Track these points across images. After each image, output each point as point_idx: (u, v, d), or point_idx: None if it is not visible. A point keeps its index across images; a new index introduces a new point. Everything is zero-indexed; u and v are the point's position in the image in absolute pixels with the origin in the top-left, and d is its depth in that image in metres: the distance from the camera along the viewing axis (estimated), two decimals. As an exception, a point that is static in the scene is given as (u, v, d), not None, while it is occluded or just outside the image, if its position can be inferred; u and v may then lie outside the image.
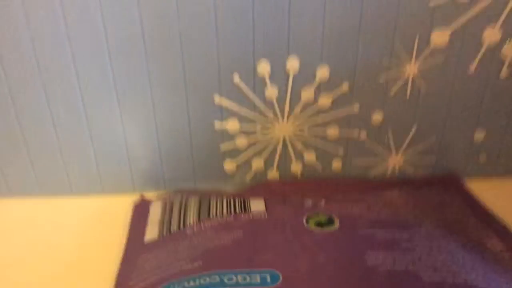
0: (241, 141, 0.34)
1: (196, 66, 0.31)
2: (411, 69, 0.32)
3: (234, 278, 0.24)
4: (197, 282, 0.24)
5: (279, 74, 0.32)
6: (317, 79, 0.32)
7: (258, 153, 0.35)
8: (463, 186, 0.35)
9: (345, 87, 0.32)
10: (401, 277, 0.24)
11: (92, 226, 0.33)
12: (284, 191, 0.34)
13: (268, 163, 0.35)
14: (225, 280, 0.24)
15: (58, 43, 0.30)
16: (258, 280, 0.24)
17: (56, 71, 0.31)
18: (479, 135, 0.35)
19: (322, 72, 0.32)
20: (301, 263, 0.25)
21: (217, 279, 0.24)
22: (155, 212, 0.32)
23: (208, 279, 0.24)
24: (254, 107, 0.33)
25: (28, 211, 0.35)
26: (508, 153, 0.36)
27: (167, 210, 0.32)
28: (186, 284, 0.24)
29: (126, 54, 0.31)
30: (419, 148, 0.35)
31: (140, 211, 0.33)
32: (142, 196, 0.35)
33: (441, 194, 0.34)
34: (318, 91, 0.32)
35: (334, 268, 0.24)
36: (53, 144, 0.34)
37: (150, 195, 0.35)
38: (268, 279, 0.24)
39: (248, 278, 0.24)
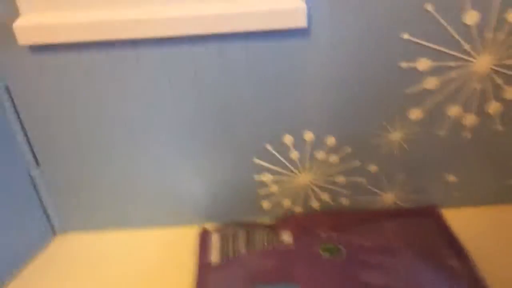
0: (274, 188, 0.47)
1: (242, 138, 0.44)
2: (396, 135, 0.44)
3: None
4: None
5: (299, 142, 0.44)
6: (327, 145, 0.44)
7: (287, 196, 0.48)
8: (439, 215, 0.47)
9: (347, 149, 0.44)
10: None
11: (165, 253, 0.47)
12: (306, 222, 0.46)
13: (295, 202, 0.48)
14: None
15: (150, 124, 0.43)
16: None
17: (142, 140, 0.44)
18: (451, 179, 0.46)
19: (330, 140, 0.44)
20: (316, 279, 0.37)
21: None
22: (215, 242, 0.45)
23: None
24: (282, 164, 0.45)
25: (108, 243, 0.49)
26: (476, 190, 0.47)
27: (223, 240, 0.45)
28: None
29: (193, 134, 0.44)
30: (406, 188, 0.47)
31: (204, 240, 0.46)
32: (204, 227, 0.48)
33: (421, 223, 0.45)
34: (328, 153, 0.45)
35: (338, 284, 0.37)
36: (139, 187, 0.47)
37: (208, 225, 0.48)
38: None
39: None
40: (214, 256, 0.44)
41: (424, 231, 0.44)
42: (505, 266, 0.41)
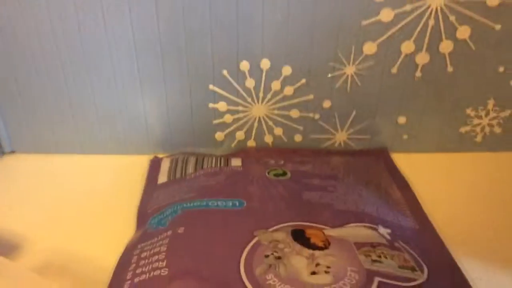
0: (228, 118, 0.47)
1: (197, 63, 0.44)
2: (350, 69, 0.44)
3: (215, 203, 0.37)
4: (191, 204, 0.37)
5: (255, 71, 0.44)
6: (283, 75, 0.45)
7: (240, 127, 0.48)
8: (389, 156, 0.48)
9: (303, 81, 0.45)
10: (322, 206, 0.37)
11: (120, 177, 0.46)
12: (258, 155, 0.47)
13: (247, 135, 0.48)
14: (209, 204, 0.37)
15: (100, 39, 0.43)
16: (231, 204, 0.37)
17: (96, 59, 0.44)
18: (401, 120, 0.47)
19: (286, 70, 0.44)
20: (259, 196, 0.38)
21: (204, 202, 0.37)
22: (165, 166, 0.45)
23: (199, 203, 0.37)
24: (237, 94, 0.46)
25: (71, 165, 0.48)
26: (424, 134, 0.48)
27: (173, 164, 0.45)
28: (184, 205, 0.37)
29: (147, 52, 0.43)
30: (358, 128, 0.48)
31: (154, 165, 0.46)
32: (155, 155, 0.48)
33: (370, 161, 0.46)
34: (283, 83, 0.45)
35: (281, 199, 0.37)
36: (93, 114, 0.47)
37: (161, 155, 0.48)
38: (237, 204, 0.37)
39: (224, 203, 0.37)
40: (162, 178, 0.44)
41: (371, 167, 0.45)
42: (449, 213, 0.42)
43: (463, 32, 0.43)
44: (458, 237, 0.37)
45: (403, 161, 0.47)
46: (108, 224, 0.41)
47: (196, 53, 0.44)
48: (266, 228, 0.34)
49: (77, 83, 0.45)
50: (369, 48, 0.43)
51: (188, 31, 0.43)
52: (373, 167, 0.45)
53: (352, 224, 0.35)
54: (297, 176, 0.41)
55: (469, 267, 0.34)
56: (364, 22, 0.42)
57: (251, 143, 0.49)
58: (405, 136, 0.48)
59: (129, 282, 0.30)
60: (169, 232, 0.34)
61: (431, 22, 0.42)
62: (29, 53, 0.44)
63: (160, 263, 0.31)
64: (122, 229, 0.39)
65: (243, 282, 0.29)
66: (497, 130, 0.48)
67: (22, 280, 0.29)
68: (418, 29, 0.42)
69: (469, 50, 0.44)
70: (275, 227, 0.34)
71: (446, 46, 0.43)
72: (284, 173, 0.41)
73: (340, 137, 0.48)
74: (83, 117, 0.47)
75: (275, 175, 0.41)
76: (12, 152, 0.50)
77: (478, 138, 0.49)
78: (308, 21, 0.42)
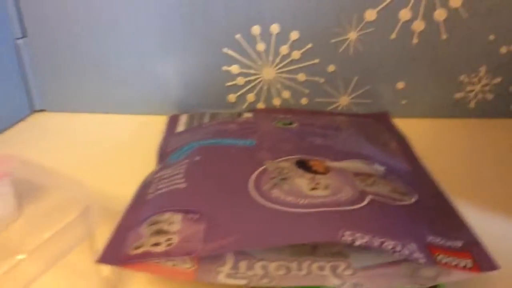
0: (240, 80, 0.51)
1: (212, 27, 0.48)
2: (352, 35, 0.49)
3: (229, 141, 0.41)
4: (207, 142, 0.41)
5: (266, 35, 0.49)
6: (291, 39, 0.49)
7: (251, 90, 0.52)
8: (389, 119, 0.51)
9: (309, 45, 0.49)
10: (324, 148, 0.41)
11: (140, 133, 0.51)
12: (267, 113, 0.51)
13: (257, 97, 0.53)
14: (224, 141, 0.41)
15: (124, 1, 0.48)
16: (242, 143, 0.41)
17: (120, 21, 0.49)
18: (400, 85, 0.51)
19: (294, 35, 0.49)
20: (268, 137, 0.42)
21: (219, 140, 0.41)
22: (183, 119, 0.49)
23: (213, 141, 0.41)
24: (249, 57, 0.50)
25: (95, 124, 0.53)
26: (421, 100, 0.52)
27: (190, 118, 0.49)
28: (200, 142, 0.41)
29: (166, 16, 0.48)
30: (360, 92, 0.52)
31: (173, 120, 0.50)
32: (173, 113, 0.52)
33: (372, 121, 0.50)
34: (291, 48, 0.49)
35: (287, 140, 0.41)
36: (115, 74, 0.51)
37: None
38: (248, 143, 0.41)
39: (237, 142, 0.41)
40: (180, 128, 0.48)
41: (371, 126, 0.49)
42: (444, 168, 0.45)
43: (456, 0, 0.47)
44: (450, 183, 0.40)
45: (401, 125, 0.51)
46: (130, 173, 0.45)
47: (211, 17, 0.48)
48: (273, 159, 0.38)
49: (101, 44, 0.50)
50: (370, 15, 0.48)
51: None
52: (374, 126, 0.49)
53: (350, 160, 0.39)
54: (303, 126, 0.45)
55: (460, 207, 0.37)
56: (365, -10, 0.47)
57: (260, 105, 0.53)
58: (403, 101, 0.52)
59: (151, 195, 0.34)
60: (187, 160, 0.38)
61: (426, -9, 0.46)
62: (60, 15, 0.49)
63: (179, 179, 0.35)
64: (144, 173, 0.43)
65: (252, 196, 0.32)
66: (489, 96, 0.52)
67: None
68: (415, -3, 0.47)
69: (461, 18, 0.48)
70: (281, 159, 0.38)
71: (440, 14, 0.47)
72: (291, 123, 0.45)
73: (344, 101, 0.52)
74: (106, 78, 0.52)
75: (283, 124, 0.45)
76: (42, 110, 0.54)
77: (472, 104, 0.52)
78: (314, -12, 0.47)
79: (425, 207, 0.33)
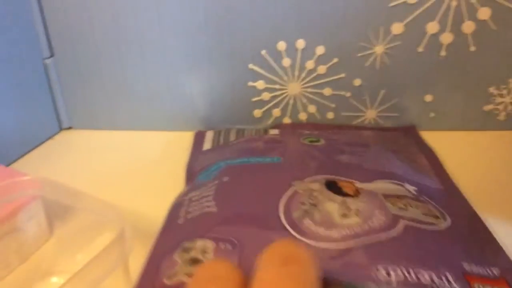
0: (266, 95, 0.51)
1: (238, 44, 0.49)
2: (379, 49, 0.48)
3: (256, 159, 0.41)
4: (235, 161, 0.41)
5: (291, 50, 0.49)
6: (316, 54, 0.49)
7: (277, 105, 0.52)
8: (417, 133, 0.51)
9: (335, 60, 0.49)
10: (352, 166, 0.40)
11: (168, 150, 0.51)
12: (293, 129, 0.51)
13: (283, 112, 0.52)
14: (251, 160, 0.41)
15: (151, 19, 0.48)
16: (269, 160, 0.41)
17: (147, 37, 0.49)
18: (428, 98, 0.51)
19: (320, 50, 0.48)
20: (296, 155, 0.42)
21: (246, 159, 0.41)
22: (209, 136, 0.49)
23: (240, 160, 0.41)
24: (275, 72, 0.50)
25: (123, 141, 0.53)
26: (450, 112, 0.52)
27: (216, 135, 0.49)
28: (228, 161, 0.41)
29: (194, 32, 0.48)
30: (387, 106, 0.51)
31: (199, 136, 0.50)
32: (199, 129, 0.52)
33: (399, 135, 0.50)
34: (317, 62, 0.49)
35: (315, 159, 0.41)
36: (143, 91, 0.52)
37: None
38: (275, 160, 0.41)
39: (263, 159, 0.41)
40: (206, 145, 0.48)
41: (399, 140, 0.48)
42: (475, 183, 0.45)
43: (484, 13, 0.46)
44: (483, 201, 0.39)
45: (429, 139, 0.50)
46: (159, 193, 0.45)
47: (237, 34, 0.48)
48: (302, 179, 0.37)
49: (128, 62, 0.50)
50: (397, 28, 0.47)
51: (231, 13, 0.47)
52: (402, 140, 0.48)
53: (380, 180, 0.38)
54: (330, 143, 0.45)
55: (495, 227, 0.36)
56: (392, 4, 0.46)
57: (286, 120, 0.53)
58: (431, 114, 0.52)
59: (182, 218, 0.34)
60: (216, 181, 0.38)
61: (454, 4, 0.46)
62: (87, 33, 0.49)
63: (209, 203, 0.35)
64: (174, 194, 0.44)
65: (283, 224, 0.32)
66: (520, 108, 0.51)
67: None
68: (442, 10, 0.46)
69: (489, 30, 0.47)
70: (310, 179, 0.37)
71: (468, 26, 0.47)
72: (318, 140, 0.45)
73: (370, 114, 0.52)
74: (134, 95, 0.52)
75: (310, 141, 0.45)
76: (69, 128, 0.55)
77: (501, 117, 0.52)
78: (340, 2, 0.46)
79: (459, 231, 0.32)
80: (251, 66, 0.50)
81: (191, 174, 0.43)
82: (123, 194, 0.44)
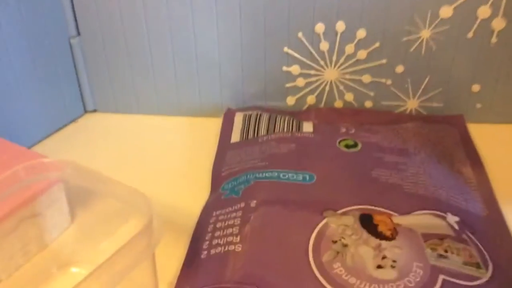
0: (300, 81, 0.48)
1: (273, 25, 0.46)
2: (425, 33, 0.45)
3: (286, 175, 0.38)
4: (263, 175, 0.38)
5: (330, 33, 0.46)
6: (357, 38, 0.45)
7: (312, 91, 0.49)
8: (464, 125, 0.47)
9: (376, 44, 0.46)
10: (391, 187, 0.37)
11: (195, 136, 0.48)
12: (328, 115, 0.47)
13: (318, 99, 0.49)
14: (281, 176, 0.38)
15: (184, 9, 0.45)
16: (301, 178, 0.38)
17: (178, 20, 0.46)
18: (475, 88, 0.47)
19: (361, 33, 0.45)
20: (329, 170, 0.38)
21: (276, 174, 0.38)
22: (238, 122, 0.47)
23: (270, 173, 0.38)
24: (311, 57, 0.47)
25: (149, 126, 0.51)
26: (499, 104, 0.48)
27: (246, 121, 0.46)
28: (257, 175, 0.38)
29: (227, 16, 0.45)
30: (430, 95, 0.48)
31: (228, 120, 0.47)
32: (229, 107, 0.49)
33: (444, 129, 0.46)
34: (357, 47, 0.46)
35: (351, 176, 0.38)
36: (171, 75, 0.49)
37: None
38: (307, 178, 0.38)
39: (295, 176, 0.38)
40: (235, 136, 0.45)
41: (445, 138, 0.45)
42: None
43: (544, -5, 0.42)
44: None
45: (475, 132, 0.47)
46: (185, 175, 0.43)
47: (273, 14, 0.45)
48: (335, 209, 0.34)
49: (158, 44, 0.48)
50: (446, 11, 0.44)
51: (267, -8, 0.44)
52: (447, 138, 0.45)
53: (420, 212, 0.35)
54: (368, 149, 0.41)
55: None
56: (442, -15, 0.43)
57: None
58: (478, 105, 0.48)
59: (205, 252, 0.32)
60: (242, 204, 0.35)
61: (510, -15, 0.42)
62: (115, 13, 0.47)
63: (234, 237, 0.33)
64: (198, 180, 0.41)
65: (312, 269, 0.30)
66: None
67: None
68: (497, -8, 0.43)
69: (549, 15, 0.43)
70: (343, 210, 0.34)
71: (524, 10, 0.43)
72: (355, 145, 0.42)
73: (412, 104, 0.49)
74: (162, 78, 0.50)
75: (346, 146, 0.42)
76: (94, 110, 0.53)
77: (555, 110, 0.48)
78: (385, -18, 0.43)
79: (502, 283, 0.30)
80: (286, 49, 0.47)
81: (217, 178, 0.41)
82: (148, 183, 0.41)
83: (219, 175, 0.41)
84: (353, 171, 0.39)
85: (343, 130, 0.44)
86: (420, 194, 0.37)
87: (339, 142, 0.42)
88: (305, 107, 0.50)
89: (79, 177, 0.31)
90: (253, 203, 0.35)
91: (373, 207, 0.35)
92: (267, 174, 0.38)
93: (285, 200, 0.36)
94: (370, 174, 0.38)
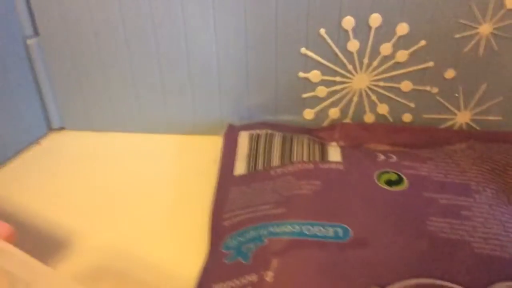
0: (321, 91, 0.38)
1: (288, 19, 0.35)
2: (485, 29, 0.34)
3: (311, 229, 0.28)
4: (281, 229, 0.28)
5: (362, 29, 0.35)
6: (397, 35, 0.35)
7: (335, 103, 0.39)
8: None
9: (422, 43, 0.35)
10: (455, 246, 0.27)
11: (188, 160, 0.38)
12: (357, 132, 0.37)
13: (343, 113, 0.39)
14: (304, 231, 0.28)
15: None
16: (332, 234, 0.28)
17: (165, 19, 0.36)
18: (546, 96, 0.37)
19: (402, 29, 0.35)
20: (368, 220, 0.28)
21: (297, 228, 0.28)
22: (243, 145, 0.36)
23: (290, 227, 0.28)
24: (336, 60, 0.36)
25: (130, 146, 0.40)
26: None
27: (253, 143, 0.36)
28: (271, 229, 0.28)
29: (227, 6, 0.35)
30: (486, 106, 0.38)
31: (230, 142, 0.37)
32: (230, 124, 0.39)
33: (507, 151, 0.36)
34: (396, 46, 0.36)
35: (398, 229, 0.28)
36: (158, 85, 0.39)
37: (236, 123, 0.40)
38: (341, 234, 0.27)
39: (323, 230, 0.28)
40: (239, 166, 0.35)
41: (506, 160, 0.35)
42: None
43: None
44: None
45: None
46: (174, 219, 0.33)
47: (288, 5, 0.35)
48: (381, 284, 0.25)
49: (139, 44, 0.37)
50: (514, 0, 0.33)
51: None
52: (509, 159, 0.35)
53: (502, 285, 0.25)
54: (417, 186, 0.31)
55: None
56: (511, -36, 0.32)
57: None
58: (547, 119, 0.38)
59: None
60: (254, 277, 0.26)
61: None
62: (83, 6, 0.36)
63: None
64: (191, 226, 0.32)
65: None
66: None
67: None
68: None
69: None
70: (394, 286, 0.25)
71: None
72: (400, 180, 0.32)
73: (463, 117, 0.38)
74: (145, 87, 0.39)
75: (388, 182, 0.31)
76: (61, 128, 0.42)
77: None
78: (436, -38, 0.32)
79: None
80: (303, 50, 0.36)
81: (218, 226, 0.30)
82: (125, 225, 0.33)
83: (220, 223, 0.31)
84: (401, 221, 0.29)
85: (381, 157, 0.34)
86: (495, 256, 0.27)
87: (378, 177, 0.32)
88: (326, 122, 0.40)
89: (4, 261, 0.22)
90: (269, 276, 0.25)
91: (434, 281, 0.25)
92: (285, 229, 0.28)
93: (312, 270, 0.26)
94: (425, 226, 0.28)
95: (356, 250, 0.27)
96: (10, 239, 0.27)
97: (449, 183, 0.32)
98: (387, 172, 0.32)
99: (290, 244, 0.27)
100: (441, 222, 0.29)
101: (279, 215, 0.29)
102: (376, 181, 0.31)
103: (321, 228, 0.28)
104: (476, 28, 0.34)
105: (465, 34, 0.35)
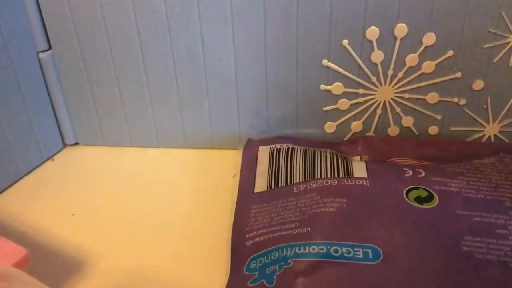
0: (343, 104, 0.37)
1: (309, 30, 0.34)
2: (517, 38, 0.33)
3: (340, 250, 0.27)
4: (307, 250, 0.27)
5: (386, 40, 0.34)
6: (423, 45, 0.34)
7: (358, 116, 0.37)
8: None
9: (449, 53, 0.34)
10: (493, 267, 0.25)
11: (206, 175, 0.37)
12: (381, 147, 0.36)
13: (366, 126, 0.38)
14: (331, 252, 0.26)
15: (188, 8, 0.34)
16: (361, 255, 0.26)
17: (182, 30, 0.35)
18: None
19: (429, 39, 0.33)
20: (400, 241, 0.27)
21: (325, 249, 0.27)
22: (263, 161, 0.35)
23: (316, 248, 0.27)
24: (359, 71, 0.35)
25: (147, 161, 0.39)
26: None
27: (274, 159, 0.35)
28: (297, 250, 0.27)
29: (246, 17, 0.34)
30: (518, 117, 0.36)
31: (249, 157, 0.36)
32: (249, 138, 0.38)
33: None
34: (422, 57, 0.34)
35: (431, 250, 0.26)
36: (175, 99, 0.38)
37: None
38: (370, 255, 0.26)
39: (352, 252, 0.26)
40: (260, 182, 0.34)
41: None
42: None
43: None
44: None
45: None
46: (193, 237, 0.32)
47: (309, 15, 0.33)
48: None
49: (155, 56, 0.36)
50: (548, 7, 0.32)
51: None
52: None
53: None
54: (449, 203, 0.29)
55: None
56: (544, -30, 0.31)
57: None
58: None
59: None
60: None
61: None
62: (98, 16, 0.35)
63: None
64: (210, 246, 0.31)
65: None
66: None
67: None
68: None
69: None
70: None
71: None
72: (430, 197, 0.30)
73: (491, 130, 0.37)
74: (161, 101, 0.38)
75: (418, 200, 0.30)
76: (76, 144, 0.41)
77: None
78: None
79: None
80: (325, 62, 0.35)
81: (239, 246, 0.29)
82: (144, 244, 0.32)
83: (241, 243, 0.29)
84: (433, 241, 0.27)
85: (409, 173, 0.32)
86: None
87: (407, 193, 0.30)
88: (348, 136, 0.38)
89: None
90: None
91: None
92: (311, 249, 0.27)
93: None
94: (460, 247, 0.27)
95: (386, 272, 0.26)
96: (23, 262, 0.26)
97: (481, 199, 0.30)
98: (417, 188, 0.31)
99: (316, 266, 0.26)
100: (476, 241, 0.27)
101: (304, 234, 0.28)
102: (405, 198, 0.30)
103: (350, 249, 0.27)
104: (507, 37, 0.33)
105: (495, 43, 0.33)
